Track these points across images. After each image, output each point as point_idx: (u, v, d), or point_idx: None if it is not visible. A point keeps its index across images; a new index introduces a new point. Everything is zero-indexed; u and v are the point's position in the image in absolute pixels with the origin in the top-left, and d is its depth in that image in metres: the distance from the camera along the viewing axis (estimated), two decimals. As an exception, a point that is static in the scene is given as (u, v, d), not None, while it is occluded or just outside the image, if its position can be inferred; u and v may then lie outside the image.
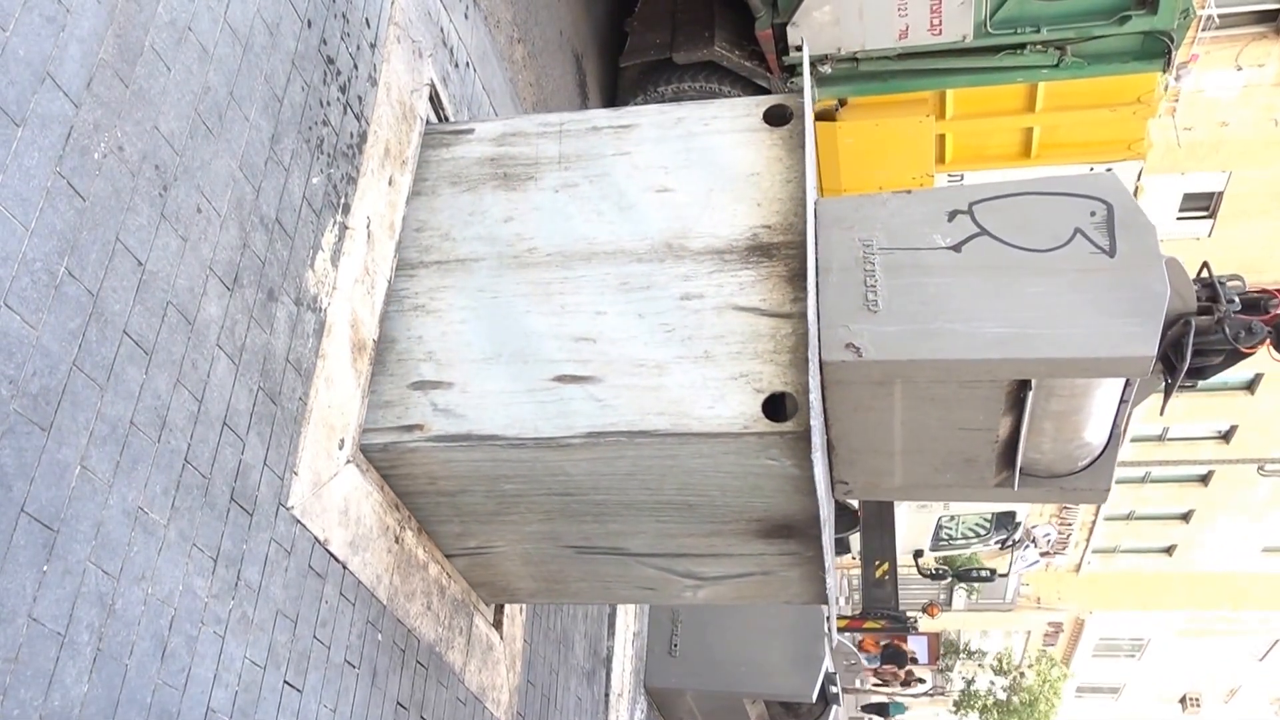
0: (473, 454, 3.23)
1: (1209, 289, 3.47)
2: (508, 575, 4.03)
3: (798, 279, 3.25)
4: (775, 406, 3.07)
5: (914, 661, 18.43)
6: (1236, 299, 3.48)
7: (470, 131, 3.85)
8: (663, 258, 3.39)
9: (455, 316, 3.41)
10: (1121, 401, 3.39)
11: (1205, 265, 3.55)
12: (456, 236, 3.59)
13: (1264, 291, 3.51)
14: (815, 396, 2.95)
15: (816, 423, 2.90)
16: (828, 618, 3.94)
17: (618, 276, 3.37)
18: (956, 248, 3.30)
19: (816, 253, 3.37)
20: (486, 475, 3.35)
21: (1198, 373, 3.58)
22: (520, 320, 3.35)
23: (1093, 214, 3.28)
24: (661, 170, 3.59)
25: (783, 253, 3.33)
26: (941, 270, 3.27)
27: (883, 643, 16.61)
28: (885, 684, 17.40)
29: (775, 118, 3.65)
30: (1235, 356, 3.49)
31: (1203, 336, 3.38)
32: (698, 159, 3.58)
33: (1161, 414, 3.69)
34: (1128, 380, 3.30)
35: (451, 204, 3.67)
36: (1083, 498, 3.69)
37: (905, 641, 17.06)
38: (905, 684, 18.13)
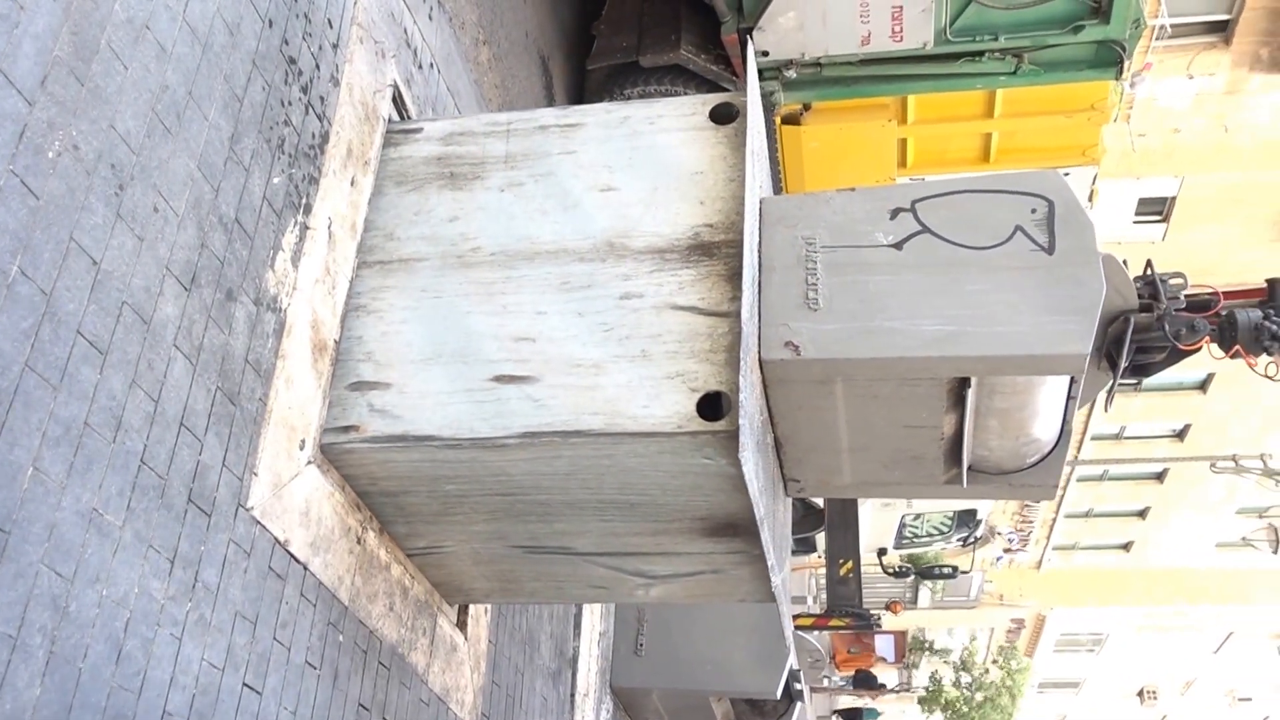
0: (410, 455, 3.22)
1: (1151, 286, 3.52)
2: (460, 575, 4.02)
3: (737, 277, 3.23)
4: (712, 406, 3.05)
5: (883, 687, 18.77)
6: (1181, 297, 3.52)
7: (419, 131, 3.81)
8: (604, 257, 3.37)
9: (396, 317, 3.39)
10: (1069, 398, 3.41)
11: (1148, 263, 3.63)
12: (401, 236, 3.56)
13: (1213, 292, 3.56)
14: (746, 395, 2.92)
15: (745, 422, 2.86)
16: (781, 616, 3.95)
17: (559, 276, 3.36)
18: (898, 245, 3.31)
19: (760, 251, 3.35)
20: (427, 476, 3.33)
21: (1142, 370, 3.63)
22: (462, 320, 3.33)
23: (1034, 211, 3.30)
24: (606, 169, 3.56)
25: (723, 251, 3.31)
26: (882, 268, 3.27)
27: (853, 652, 16.84)
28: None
29: (721, 115, 3.61)
30: (1177, 354, 3.53)
31: (1143, 333, 3.43)
32: (642, 158, 3.55)
33: (1106, 411, 3.74)
34: (1073, 377, 3.32)
35: (397, 203, 3.64)
36: (1031, 494, 3.73)
37: (873, 656, 17.30)
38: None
